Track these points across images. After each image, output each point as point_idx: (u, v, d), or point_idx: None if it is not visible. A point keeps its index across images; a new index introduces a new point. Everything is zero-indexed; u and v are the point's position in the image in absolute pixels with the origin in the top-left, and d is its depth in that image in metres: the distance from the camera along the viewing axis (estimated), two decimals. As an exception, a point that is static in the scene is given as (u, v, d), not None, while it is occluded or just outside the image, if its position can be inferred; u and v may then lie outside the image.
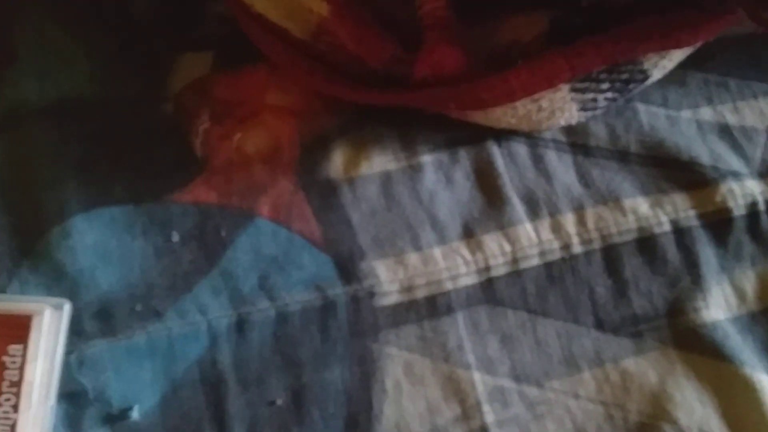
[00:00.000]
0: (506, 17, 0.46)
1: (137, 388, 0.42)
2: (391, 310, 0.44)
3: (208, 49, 0.49)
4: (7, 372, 0.38)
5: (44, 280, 0.43)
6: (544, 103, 0.44)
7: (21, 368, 0.38)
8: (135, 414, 0.41)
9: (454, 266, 0.45)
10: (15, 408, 0.38)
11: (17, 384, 0.38)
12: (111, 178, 0.46)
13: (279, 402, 0.42)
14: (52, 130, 0.47)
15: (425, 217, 0.46)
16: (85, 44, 0.49)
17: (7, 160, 0.46)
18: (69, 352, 0.42)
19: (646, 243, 0.45)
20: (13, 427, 0.38)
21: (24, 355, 0.39)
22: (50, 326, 0.40)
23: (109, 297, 0.43)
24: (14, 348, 0.39)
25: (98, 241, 0.44)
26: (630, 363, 0.43)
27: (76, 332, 0.42)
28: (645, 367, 0.43)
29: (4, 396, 0.38)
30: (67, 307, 0.42)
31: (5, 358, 0.38)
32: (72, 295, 0.43)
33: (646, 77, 0.45)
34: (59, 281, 0.43)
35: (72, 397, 0.41)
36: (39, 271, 0.43)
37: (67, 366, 0.41)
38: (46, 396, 0.39)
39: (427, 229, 0.46)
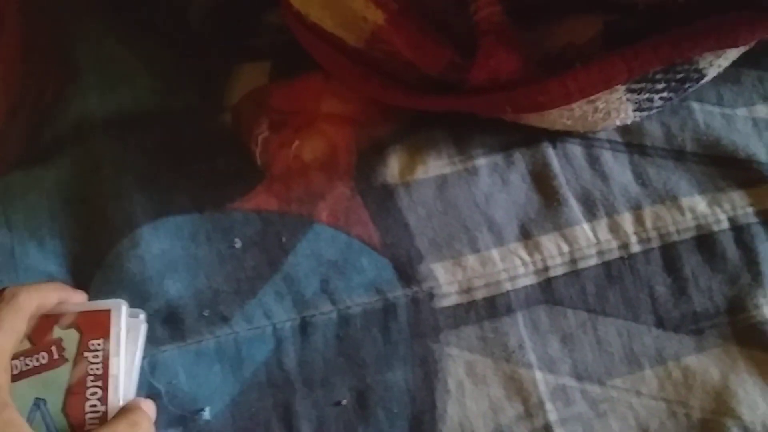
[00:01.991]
0: (560, 20, 0.46)
1: (207, 391, 0.43)
2: (451, 311, 0.45)
3: (265, 59, 0.51)
4: (91, 366, 0.40)
5: (115, 289, 0.45)
6: (600, 104, 0.44)
7: (104, 362, 0.40)
8: (207, 415, 0.42)
9: (512, 267, 0.45)
10: (102, 401, 0.39)
11: (101, 377, 0.39)
12: (174, 187, 0.47)
13: (344, 402, 0.43)
14: (115, 143, 0.48)
15: (482, 219, 0.46)
16: (145, 57, 0.51)
17: (75, 173, 0.48)
18: (143, 357, 0.43)
19: (705, 241, 0.45)
20: (102, 418, 0.39)
21: (105, 349, 0.40)
22: (128, 324, 0.41)
23: (177, 303, 0.44)
24: (95, 342, 0.40)
25: (165, 249, 0.46)
26: (692, 360, 0.44)
27: (148, 338, 0.43)
28: (707, 364, 0.43)
29: (90, 390, 0.39)
30: (142, 317, 0.43)
31: (87, 354, 0.40)
32: (142, 303, 0.44)
33: (702, 76, 0.45)
34: (129, 290, 0.44)
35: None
36: (111, 280, 0.45)
37: (140, 370, 0.43)
38: (129, 390, 0.41)
39: (484, 231, 0.46)
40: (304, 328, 0.44)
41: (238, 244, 0.46)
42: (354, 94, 0.49)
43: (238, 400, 0.43)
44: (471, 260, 0.45)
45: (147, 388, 0.43)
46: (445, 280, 0.45)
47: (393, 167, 0.48)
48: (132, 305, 0.44)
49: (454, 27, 0.46)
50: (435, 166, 0.48)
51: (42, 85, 0.50)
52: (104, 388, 0.39)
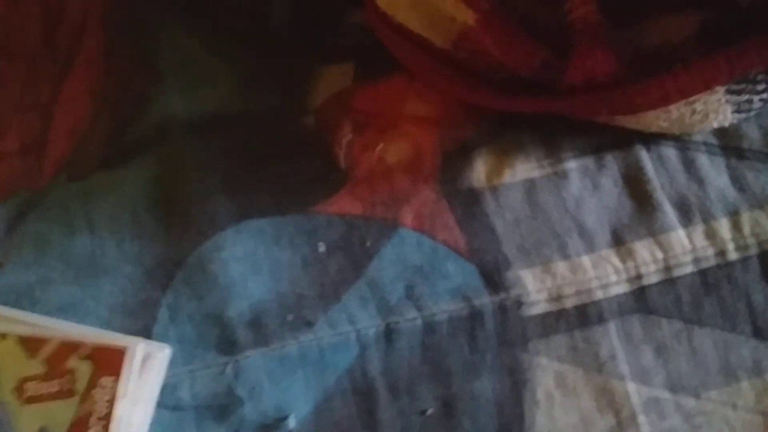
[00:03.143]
0: (654, 18, 0.45)
1: (291, 397, 0.42)
2: (540, 319, 0.43)
3: (348, 61, 0.50)
4: (97, 405, 0.39)
5: (197, 291, 0.44)
6: (699, 106, 0.42)
7: (111, 402, 0.39)
8: (291, 422, 0.42)
9: (604, 275, 0.44)
10: None
11: (106, 417, 0.39)
12: (257, 190, 0.47)
13: (430, 411, 0.42)
14: (198, 144, 0.48)
15: (572, 224, 0.45)
16: (227, 59, 0.51)
17: (158, 174, 0.48)
18: (225, 363, 0.43)
19: (807, 248, 0.44)
20: None
21: (114, 389, 0.39)
22: (145, 365, 0.40)
23: (260, 307, 0.44)
24: (106, 380, 0.39)
25: (248, 252, 0.45)
26: (790, 372, 0.42)
27: (230, 342, 0.43)
28: (806, 377, 0.42)
29: (92, 430, 0.39)
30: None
31: (96, 391, 0.39)
32: (224, 306, 0.44)
33: (804, 77, 0.43)
34: (212, 292, 0.44)
35: (228, 407, 0.42)
36: (192, 282, 0.45)
37: (223, 377, 0.42)
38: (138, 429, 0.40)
39: (575, 237, 0.45)
40: (389, 334, 0.43)
41: (321, 247, 0.45)
42: (438, 96, 0.48)
43: (322, 408, 0.42)
44: (561, 267, 0.44)
45: (229, 396, 0.42)
46: (534, 288, 0.44)
47: (479, 170, 0.47)
48: (214, 308, 0.44)
49: (545, 26, 0.44)
50: (523, 170, 0.47)
51: (125, 87, 0.50)
52: (106, 429, 0.39)
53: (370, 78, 0.49)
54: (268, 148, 0.48)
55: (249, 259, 0.45)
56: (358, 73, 0.50)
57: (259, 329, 0.44)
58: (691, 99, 0.42)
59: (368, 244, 0.45)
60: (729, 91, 0.42)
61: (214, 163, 0.48)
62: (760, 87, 0.43)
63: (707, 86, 0.41)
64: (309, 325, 0.44)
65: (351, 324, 0.44)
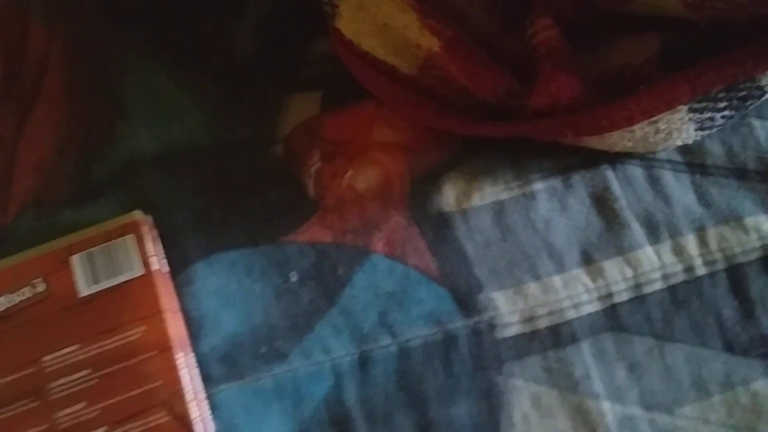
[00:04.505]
0: (616, 41, 0.45)
1: (268, 430, 0.42)
2: (514, 341, 0.44)
3: (315, 89, 0.50)
4: None
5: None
6: (662, 125, 0.43)
7: None
8: (269, 456, 0.42)
9: (575, 294, 0.44)
10: None
11: None
12: (227, 222, 0.47)
13: (407, 438, 0.42)
14: (167, 179, 0.48)
15: (542, 245, 0.45)
16: (194, 92, 0.50)
17: (127, 211, 0.47)
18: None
19: (772, 261, 0.44)
20: None
21: None
22: None
23: (233, 340, 0.44)
24: None
25: (220, 285, 0.45)
26: (760, 385, 0.42)
27: (204, 377, 0.43)
28: (777, 389, 0.42)
29: None
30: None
31: None
32: (197, 340, 0.44)
33: (763, 93, 0.44)
34: (185, 326, 0.44)
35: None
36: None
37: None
38: None
39: (545, 258, 0.45)
40: (364, 362, 0.43)
41: (294, 277, 0.45)
42: (406, 122, 0.48)
43: (300, 439, 0.42)
44: (532, 288, 0.44)
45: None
46: (507, 310, 0.44)
47: (448, 195, 0.47)
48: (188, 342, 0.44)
49: (511, 52, 0.45)
50: (491, 192, 0.47)
51: (91, 123, 0.50)
52: None
53: (337, 106, 0.50)
54: (238, 179, 0.48)
55: (221, 293, 0.45)
56: (325, 102, 0.50)
57: (233, 363, 0.43)
58: (655, 118, 0.42)
59: (340, 272, 0.45)
60: (691, 110, 0.43)
61: (183, 198, 0.47)
62: (722, 104, 0.43)
63: (669, 106, 0.42)
64: (283, 356, 0.43)
65: (325, 353, 0.43)
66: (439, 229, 0.46)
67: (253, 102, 0.50)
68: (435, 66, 0.45)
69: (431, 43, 0.44)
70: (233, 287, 0.45)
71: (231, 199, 0.47)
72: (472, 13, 0.47)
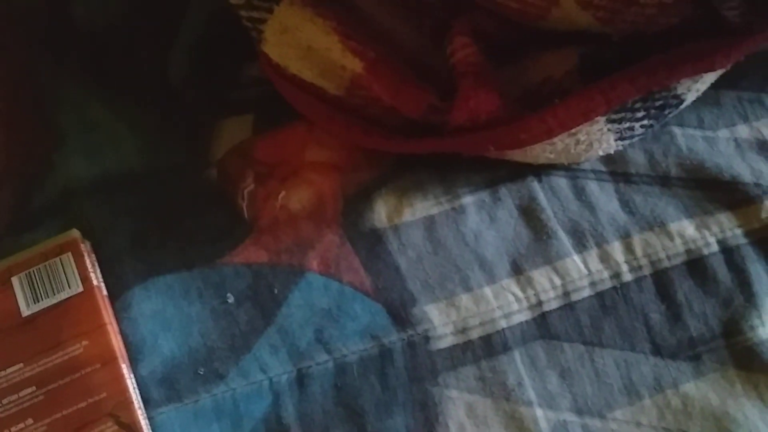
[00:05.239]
0: (536, 55, 0.47)
1: (207, 452, 0.43)
2: (448, 352, 0.44)
3: (247, 112, 0.51)
4: None
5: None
6: (582, 137, 0.44)
7: None
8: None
9: (506, 304, 0.45)
10: None
11: None
12: (164, 247, 0.47)
13: (346, 453, 0.43)
14: (103, 206, 0.49)
15: (472, 257, 0.46)
16: (129, 119, 0.51)
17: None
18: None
19: (696, 265, 0.45)
20: None
21: None
22: None
23: (172, 363, 0.44)
24: None
25: (157, 309, 0.46)
26: (690, 387, 0.43)
27: (144, 400, 0.43)
28: (705, 390, 0.43)
29: None
30: None
31: None
32: (135, 364, 0.44)
33: (681, 101, 0.45)
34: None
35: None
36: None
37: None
38: None
39: (476, 270, 0.46)
40: (301, 380, 0.44)
41: (230, 299, 0.46)
42: (337, 142, 0.49)
43: (239, 458, 0.43)
44: (464, 300, 0.45)
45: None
46: (440, 322, 0.45)
47: (380, 212, 0.48)
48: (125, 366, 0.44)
49: (434, 69, 0.46)
50: (422, 208, 0.48)
51: (28, 153, 0.50)
52: None
53: (270, 128, 0.50)
54: (173, 204, 0.49)
55: (158, 316, 0.45)
56: (258, 124, 0.50)
57: (172, 385, 0.44)
58: (574, 130, 0.44)
59: (276, 291, 0.46)
60: (609, 121, 0.44)
61: (120, 224, 0.48)
62: (640, 114, 0.45)
63: (586, 117, 0.43)
64: (221, 377, 0.44)
65: (263, 372, 0.44)
66: (371, 245, 0.47)
67: (187, 127, 0.51)
68: (361, 86, 0.46)
69: (354, 65, 0.45)
70: (171, 311, 0.46)
71: (167, 224, 0.48)
72: (400, 31, 0.48)
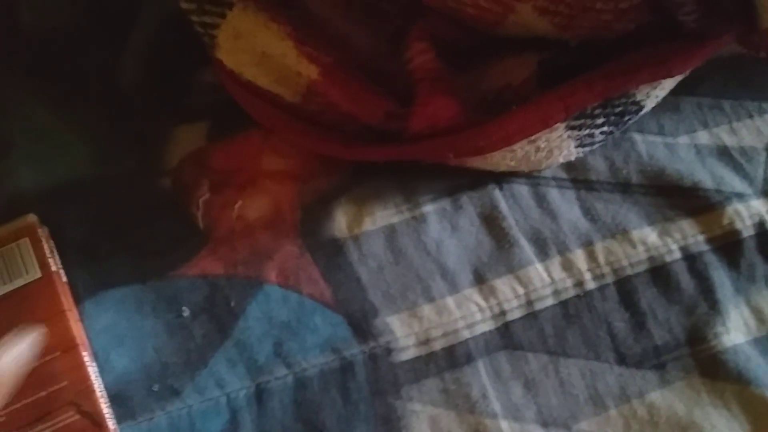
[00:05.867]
0: (495, 62, 0.46)
1: (162, 471, 0.41)
2: (410, 364, 0.43)
3: (202, 120, 0.49)
4: None
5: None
6: (542, 144, 0.44)
7: None
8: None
9: (468, 314, 0.44)
10: None
11: None
12: (115, 258, 0.46)
13: (306, 470, 0.42)
14: (52, 216, 0.47)
15: (434, 267, 0.46)
16: (78, 126, 0.49)
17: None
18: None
19: (659, 272, 0.45)
20: None
21: None
22: None
23: (125, 379, 0.43)
24: None
25: (109, 324, 0.44)
26: (656, 396, 0.43)
27: (95, 420, 0.42)
28: (671, 399, 0.43)
29: None
30: None
31: None
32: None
33: (640, 108, 0.45)
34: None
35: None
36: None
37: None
38: None
39: (438, 279, 0.45)
40: (260, 395, 0.43)
41: (185, 312, 0.44)
42: (295, 150, 0.48)
43: (196, 478, 0.41)
44: (426, 310, 0.44)
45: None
46: (402, 333, 0.44)
47: (340, 221, 0.47)
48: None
49: (392, 75, 0.45)
50: (382, 217, 0.47)
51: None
52: None
53: (225, 135, 0.49)
54: (125, 213, 0.47)
55: (110, 331, 0.44)
56: (212, 132, 0.49)
57: (125, 402, 0.42)
58: (533, 137, 0.43)
59: (233, 304, 0.45)
60: (569, 127, 0.44)
61: (69, 235, 0.46)
62: (599, 121, 0.44)
63: (545, 124, 0.42)
64: (176, 393, 0.42)
65: (220, 388, 0.43)
66: (331, 255, 0.46)
67: (139, 134, 0.49)
68: (317, 93, 0.45)
69: (310, 71, 0.44)
70: (123, 325, 0.44)
71: (118, 235, 0.46)
72: (357, 37, 0.48)
